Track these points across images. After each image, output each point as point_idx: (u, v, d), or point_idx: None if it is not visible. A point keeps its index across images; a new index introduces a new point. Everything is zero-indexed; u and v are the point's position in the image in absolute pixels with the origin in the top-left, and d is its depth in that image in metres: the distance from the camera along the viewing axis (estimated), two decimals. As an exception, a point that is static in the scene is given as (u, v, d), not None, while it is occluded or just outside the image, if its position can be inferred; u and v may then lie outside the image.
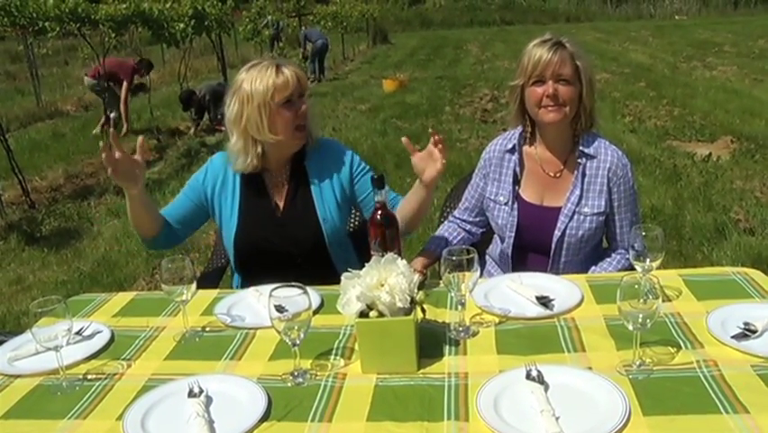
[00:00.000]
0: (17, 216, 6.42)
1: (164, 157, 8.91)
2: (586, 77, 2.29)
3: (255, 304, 2.07)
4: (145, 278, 4.85)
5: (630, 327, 1.56)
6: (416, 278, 1.66)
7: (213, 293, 2.22)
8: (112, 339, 1.93)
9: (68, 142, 10.01)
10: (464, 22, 34.58)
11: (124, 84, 9.87)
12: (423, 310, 1.72)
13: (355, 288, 1.63)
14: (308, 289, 1.63)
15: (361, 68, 18.32)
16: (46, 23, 7.14)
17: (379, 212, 1.93)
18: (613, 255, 2.42)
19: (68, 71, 17.20)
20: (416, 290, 1.65)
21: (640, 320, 1.54)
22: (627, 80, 12.89)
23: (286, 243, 2.37)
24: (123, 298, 2.26)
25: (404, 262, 1.69)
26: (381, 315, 1.62)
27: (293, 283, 1.65)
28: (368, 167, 2.51)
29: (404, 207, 2.30)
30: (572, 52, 2.27)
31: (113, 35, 8.08)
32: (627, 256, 2.38)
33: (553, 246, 2.37)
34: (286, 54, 14.17)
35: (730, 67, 14.07)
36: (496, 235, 2.57)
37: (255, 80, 2.25)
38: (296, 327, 1.58)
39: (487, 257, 2.58)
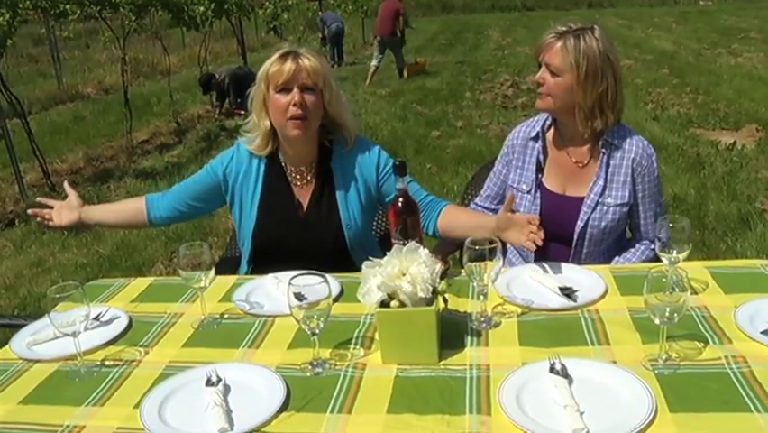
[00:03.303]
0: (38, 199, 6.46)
1: (183, 141, 8.93)
2: (579, 74, 2.18)
3: (274, 291, 2.06)
4: (163, 261, 4.86)
5: (657, 321, 1.52)
6: (438, 267, 1.63)
7: (231, 279, 2.20)
8: (129, 325, 1.92)
9: (88, 125, 10.07)
10: (486, 7, 34.23)
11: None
12: (445, 300, 1.69)
13: (376, 277, 1.61)
14: (328, 276, 1.61)
15: (381, 52, 18.20)
16: (67, 6, 7.16)
17: (401, 199, 1.90)
18: (637, 246, 2.37)
19: (90, 54, 17.26)
20: (438, 280, 1.62)
21: (667, 314, 1.50)
22: (650, 67, 12.72)
23: (306, 243, 2.32)
24: (140, 283, 2.25)
25: (426, 251, 1.65)
26: (402, 305, 1.59)
27: (313, 271, 1.62)
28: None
29: (460, 227, 2.27)
30: (568, 45, 2.19)
31: (133, 18, 8.07)
32: (652, 247, 2.35)
33: (576, 237, 2.33)
34: (306, 38, 14.09)
35: (756, 54, 13.81)
36: (518, 224, 2.52)
37: (266, 62, 2.28)
38: (315, 316, 1.55)
39: (508, 246, 2.54)
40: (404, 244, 1.68)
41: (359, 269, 2.28)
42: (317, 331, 1.58)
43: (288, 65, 2.20)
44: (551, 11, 30.87)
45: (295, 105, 2.20)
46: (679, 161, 6.44)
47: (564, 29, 2.22)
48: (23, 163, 6.86)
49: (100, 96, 12.95)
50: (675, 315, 1.50)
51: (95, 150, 8.37)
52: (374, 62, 12.88)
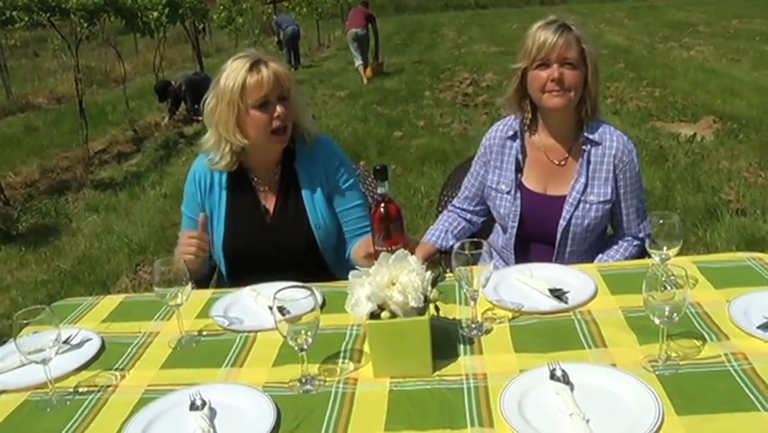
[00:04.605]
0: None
1: (141, 149, 8.73)
2: (591, 61, 2.20)
3: (253, 305, 1.97)
4: (128, 275, 4.70)
5: (656, 321, 1.48)
6: (429, 274, 1.56)
7: (207, 294, 2.10)
8: (102, 347, 1.81)
9: (41, 136, 9.79)
10: (439, 6, 34.45)
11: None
12: (437, 309, 1.62)
13: (365, 287, 1.53)
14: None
15: (338, 54, 18.11)
16: (14, 13, 6.89)
17: (383, 205, 1.82)
18: (620, 243, 2.34)
19: (39, 63, 16.81)
20: (429, 288, 1.55)
21: (667, 313, 1.46)
22: (606, 62, 12.83)
23: (277, 249, 2.24)
24: (110, 301, 2.14)
25: (415, 258, 1.58)
26: (394, 315, 1.52)
27: (297, 284, 1.54)
28: (352, 180, 2.35)
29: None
30: (578, 35, 2.18)
31: (85, 25, 7.83)
32: (635, 243, 2.32)
33: (558, 236, 2.28)
34: (261, 41, 13.95)
35: (707, 47, 14.11)
36: (497, 225, 2.48)
37: (230, 75, 2.11)
38: (303, 331, 1.47)
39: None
40: (388, 252, 1.61)
41: (333, 273, 2.25)
42: (305, 347, 1.50)
43: (265, 76, 2.09)
44: (504, 8, 31.21)
45: (277, 117, 2.12)
46: (642, 154, 6.46)
47: (559, 22, 2.19)
48: (-26, 178, 6.63)
49: (52, 105, 12.62)
50: (675, 314, 1.46)
51: (49, 161, 8.13)
52: (358, 63, 12.89)
